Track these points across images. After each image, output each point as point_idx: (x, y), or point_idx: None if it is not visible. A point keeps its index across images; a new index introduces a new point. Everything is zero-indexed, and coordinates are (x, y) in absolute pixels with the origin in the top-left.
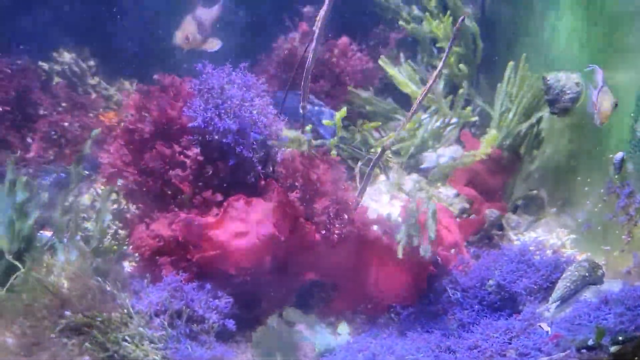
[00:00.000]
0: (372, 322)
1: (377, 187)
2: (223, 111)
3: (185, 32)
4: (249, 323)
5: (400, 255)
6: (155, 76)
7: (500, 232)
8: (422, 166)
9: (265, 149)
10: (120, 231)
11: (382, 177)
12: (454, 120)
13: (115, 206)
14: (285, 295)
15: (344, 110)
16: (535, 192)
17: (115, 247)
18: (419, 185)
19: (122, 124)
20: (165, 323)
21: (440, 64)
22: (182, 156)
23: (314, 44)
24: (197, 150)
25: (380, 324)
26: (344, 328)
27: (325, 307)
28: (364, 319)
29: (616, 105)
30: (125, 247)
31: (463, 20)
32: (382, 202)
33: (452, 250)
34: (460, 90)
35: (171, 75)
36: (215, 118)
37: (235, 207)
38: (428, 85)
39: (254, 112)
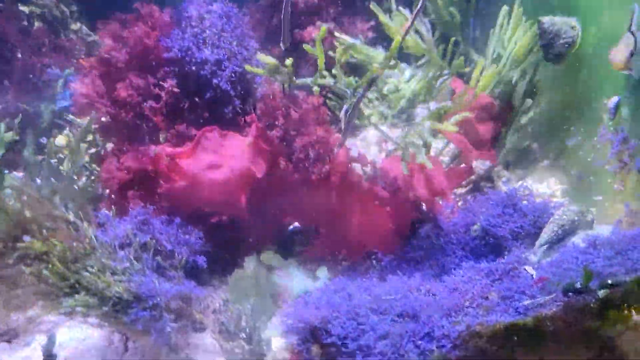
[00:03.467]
0: (353, 269)
1: (364, 136)
2: (201, 41)
3: None
4: (226, 267)
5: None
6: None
7: (490, 185)
8: (414, 122)
9: (244, 84)
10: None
11: (372, 130)
12: (445, 72)
13: (93, 150)
14: (263, 239)
15: (323, 29)
16: (527, 143)
17: (90, 188)
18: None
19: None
20: (131, 256)
21: None
22: (157, 88)
23: None
24: (172, 82)
25: (361, 270)
26: (323, 273)
27: (305, 253)
28: (345, 266)
29: (632, 54)
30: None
31: None
32: (371, 153)
33: (438, 199)
34: (453, 39)
35: (150, 4)
36: (192, 48)
37: (208, 138)
38: (413, 14)
39: (234, 43)
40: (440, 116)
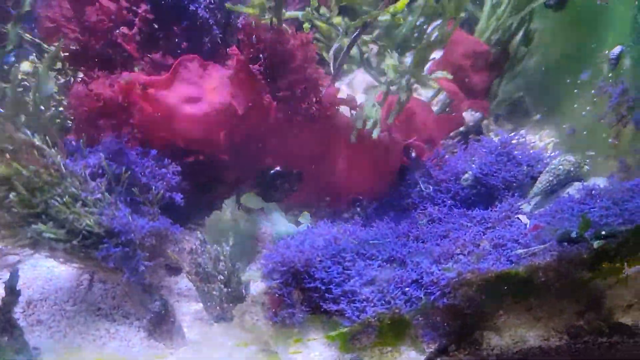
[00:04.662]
0: (337, 215)
1: (350, 82)
2: None
3: None
4: (204, 209)
5: (353, 139)
6: None
7: (479, 137)
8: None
9: (224, 11)
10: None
11: (359, 75)
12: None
13: (63, 80)
14: (243, 181)
15: None
16: (520, 94)
17: (58, 119)
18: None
19: None
20: (103, 187)
21: None
22: (129, 13)
23: None
24: (146, 7)
25: (346, 217)
26: (306, 218)
27: (289, 198)
28: (329, 212)
29: None
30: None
31: None
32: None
33: (427, 146)
34: None
35: None
36: None
37: (188, 68)
38: None
39: None
40: (425, 54)
